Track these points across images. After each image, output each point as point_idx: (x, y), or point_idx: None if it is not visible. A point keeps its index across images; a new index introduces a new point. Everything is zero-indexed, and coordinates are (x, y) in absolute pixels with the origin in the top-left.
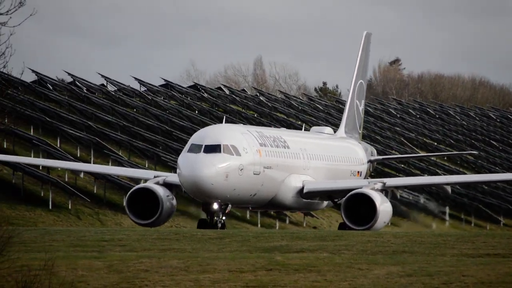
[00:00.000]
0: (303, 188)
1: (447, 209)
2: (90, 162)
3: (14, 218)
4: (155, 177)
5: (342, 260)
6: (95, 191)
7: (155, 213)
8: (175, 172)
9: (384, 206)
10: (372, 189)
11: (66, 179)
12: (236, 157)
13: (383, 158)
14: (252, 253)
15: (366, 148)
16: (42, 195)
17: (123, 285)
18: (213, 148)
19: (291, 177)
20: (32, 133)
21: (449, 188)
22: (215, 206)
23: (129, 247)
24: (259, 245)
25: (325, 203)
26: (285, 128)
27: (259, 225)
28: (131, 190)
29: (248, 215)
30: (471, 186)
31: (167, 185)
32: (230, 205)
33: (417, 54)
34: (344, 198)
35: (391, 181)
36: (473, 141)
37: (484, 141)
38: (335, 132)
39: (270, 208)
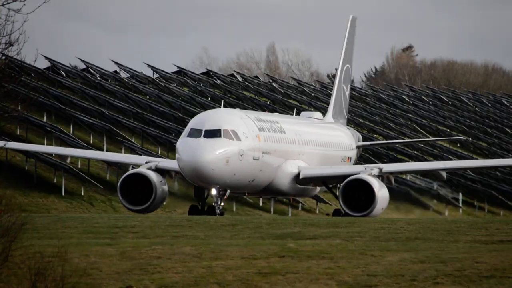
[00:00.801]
0: (299, 173)
1: (460, 196)
2: (103, 149)
3: (27, 205)
4: (146, 162)
5: (355, 247)
6: (108, 178)
7: (148, 199)
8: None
9: (382, 192)
10: (369, 174)
11: (79, 166)
12: (237, 142)
13: (370, 144)
14: (264, 240)
15: (353, 133)
16: (55, 181)
17: (136, 271)
18: (213, 133)
19: (287, 162)
20: (45, 120)
21: (444, 174)
22: (214, 191)
23: (141, 234)
24: (271, 232)
25: (318, 188)
26: (277, 113)
27: (272, 212)
28: (123, 176)
29: (261, 202)
30: (484, 172)
31: (159, 170)
32: (228, 191)
33: (429, 41)
34: (341, 184)
35: (388, 167)
36: (486, 127)
37: (497, 128)
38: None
39: (266, 194)
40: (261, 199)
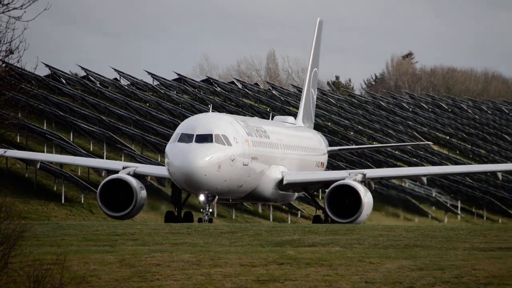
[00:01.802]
0: (282, 179)
1: (459, 203)
2: (103, 157)
3: (27, 212)
4: (124, 168)
5: (353, 254)
6: None
7: (128, 205)
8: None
9: (367, 198)
10: (354, 180)
11: (79, 174)
12: (228, 147)
13: (339, 149)
14: (264, 247)
15: (322, 138)
16: (55, 189)
17: (135, 279)
18: (205, 138)
19: (272, 168)
20: (45, 128)
21: (425, 179)
22: (202, 197)
23: (141, 241)
24: (270, 239)
25: (296, 194)
26: (257, 117)
27: (271, 219)
28: (103, 181)
29: (260, 209)
30: (483, 179)
31: (137, 176)
32: (217, 197)
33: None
34: (327, 190)
35: (371, 172)
36: (485, 134)
37: (497, 135)
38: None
39: (248, 200)
40: (260, 206)
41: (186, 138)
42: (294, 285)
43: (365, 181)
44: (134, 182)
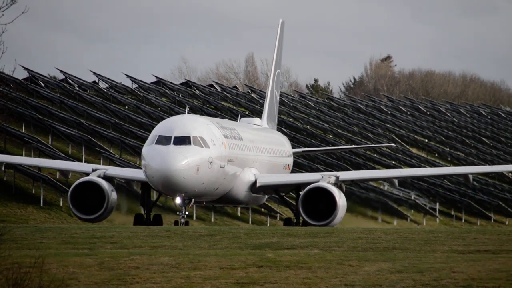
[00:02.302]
0: (255, 182)
1: (438, 206)
2: (81, 160)
3: (5, 216)
4: (93, 170)
5: (332, 257)
6: None
7: (99, 207)
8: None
9: (342, 201)
10: (328, 183)
11: (58, 177)
12: (206, 150)
13: (303, 151)
14: (243, 250)
15: (287, 139)
16: (33, 192)
17: (114, 282)
18: (183, 140)
19: (245, 170)
20: (23, 131)
21: (396, 182)
22: (178, 200)
23: (120, 244)
24: (250, 242)
25: (266, 197)
26: (227, 119)
27: (250, 222)
28: (74, 184)
29: (239, 212)
30: (462, 182)
31: (107, 178)
32: (193, 200)
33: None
34: (302, 192)
35: (344, 175)
36: (463, 137)
37: (475, 138)
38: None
39: (221, 202)
40: (239, 209)
41: (163, 140)
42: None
43: (338, 184)
44: (105, 184)
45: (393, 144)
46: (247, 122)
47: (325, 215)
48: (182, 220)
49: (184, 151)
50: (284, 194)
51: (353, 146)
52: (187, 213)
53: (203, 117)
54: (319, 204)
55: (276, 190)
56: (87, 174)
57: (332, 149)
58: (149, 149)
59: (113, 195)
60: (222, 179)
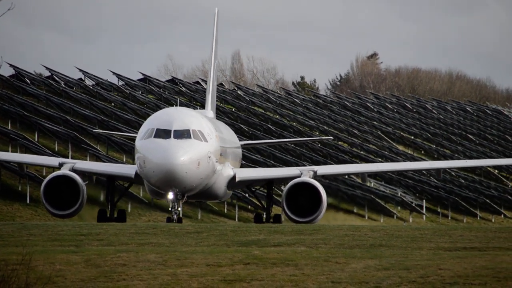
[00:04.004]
0: (234, 176)
1: (424, 203)
2: (68, 157)
3: None
4: (60, 164)
5: (319, 254)
6: None
7: (73, 202)
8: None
9: (325, 196)
10: (309, 177)
11: (44, 174)
12: (205, 144)
13: (245, 144)
14: (229, 247)
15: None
16: (19, 189)
17: (101, 279)
18: (183, 134)
19: (225, 165)
20: (9, 127)
21: (366, 176)
22: (171, 196)
23: (106, 241)
24: (236, 239)
25: (231, 192)
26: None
27: (236, 219)
28: (47, 178)
29: (225, 209)
30: (448, 179)
31: (75, 173)
32: (186, 195)
33: (394, 48)
34: (286, 187)
35: (322, 169)
36: (450, 135)
37: (461, 135)
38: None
39: (199, 198)
40: (225, 206)
41: (162, 133)
42: (260, 285)
43: (316, 178)
44: (79, 179)
45: (331, 137)
46: (204, 114)
47: (308, 211)
48: (175, 217)
49: (186, 145)
50: (255, 189)
51: (290, 139)
52: (180, 209)
53: (193, 110)
54: (299, 199)
55: (248, 186)
56: (55, 168)
57: (274, 142)
58: (146, 143)
59: (85, 190)
60: (213, 173)
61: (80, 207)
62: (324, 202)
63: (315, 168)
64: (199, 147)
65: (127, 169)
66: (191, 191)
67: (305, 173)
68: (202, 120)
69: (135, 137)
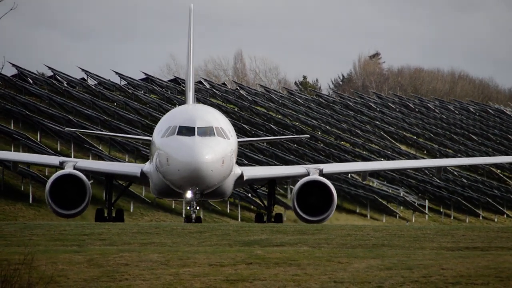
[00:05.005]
0: (241, 174)
1: (427, 202)
2: (70, 157)
3: None
4: (61, 162)
5: (322, 254)
6: None
7: (79, 202)
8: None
9: (336, 195)
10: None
11: (47, 173)
12: (227, 141)
13: None
14: (232, 247)
15: None
16: (22, 189)
17: (103, 279)
18: (206, 131)
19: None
20: (12, 127)
21: (366, 175)
22: (189, 194)
23: (109, 241)
24: (239, 239)
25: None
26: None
27: (239, 219)
28: (54, 177)
29: (228, 209)
30: (450, 179)
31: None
32: (203, 194)
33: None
34: (296, 186)
35: (328, 167)
36: (452, 134)
37: (464, 135)
38: None
39: (209, 197)
40: (228, 205)
41: (186, 131)
42: (263, 284)
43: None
44: (85, 178)
45: (307, 135)
46: None
47: (318, 210)
48: (194, 216)
49: (211, 143)
50: (257, 187)
51: (264, 138)
52: (198, 208)
53: (208, 106)
54: (310, 198)
55: (250, 184)
56: (56, 167)
57: (245, 141)
58: (169, 141)
59: (91, 189)
60: (230, 172)
61: (86, 207)
62: (335, 200)
63: (321, 166)
64: (223, 144)
65: (132, 168)
66: (210, 189)
67: (312, 171)
68: (220, 117)
69: (107, 135)
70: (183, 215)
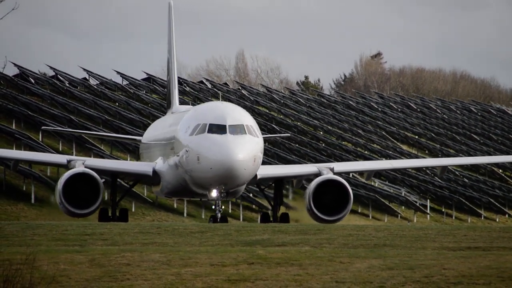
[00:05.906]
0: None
1: (428, 202)
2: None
3: None
4: (68, 161)
5: (323, 254)
6: None
7: (93, 201)
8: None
9: (352, 194)
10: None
11: (49, 173)
12: (257, 139)
13: None
14: (233, 246)
15: None
16: (24, 189)
17: (105, 279)
18: (237, 129)
19: None
20: (14, 127)
21: (366, 175)
22: (215, 193)
23: (111, 241)
24: (241, 239)
25: None
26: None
27: (241, 219)
28: (66, 176)
29: (230, 209)
30: (452, 179)
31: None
32: (228, 193)
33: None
34: (311, 185)
35: (338, 166)
36: (454, 134)
37: (465, 135)
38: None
39: (229, 195)
40: (230, 205)
41: (217, 129)
42: (265, 284)
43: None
44: (98, 176)
45: (288, 134)
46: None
47: (334, 209)
48: (219, 215)
49: (243, 141)
50: (264, 187)
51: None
52: (223, 207)
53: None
54: (324, 197)
55: (258, 184)
56: (62, 166)
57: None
58: (199, 139)
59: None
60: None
61: (99, 206)
62: (352, 199)
63: (332, 165)
64: (253, 143)
65: (143, 167)
66: (237, 188)
67: (325, 171)
68: (248, 115)
69: (83, 133)
70: (203, 216)
